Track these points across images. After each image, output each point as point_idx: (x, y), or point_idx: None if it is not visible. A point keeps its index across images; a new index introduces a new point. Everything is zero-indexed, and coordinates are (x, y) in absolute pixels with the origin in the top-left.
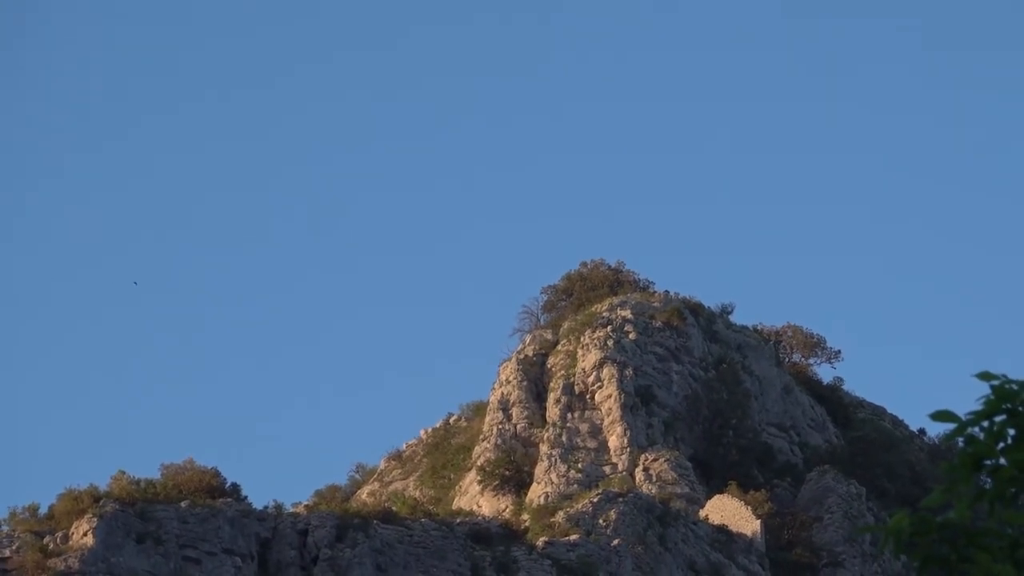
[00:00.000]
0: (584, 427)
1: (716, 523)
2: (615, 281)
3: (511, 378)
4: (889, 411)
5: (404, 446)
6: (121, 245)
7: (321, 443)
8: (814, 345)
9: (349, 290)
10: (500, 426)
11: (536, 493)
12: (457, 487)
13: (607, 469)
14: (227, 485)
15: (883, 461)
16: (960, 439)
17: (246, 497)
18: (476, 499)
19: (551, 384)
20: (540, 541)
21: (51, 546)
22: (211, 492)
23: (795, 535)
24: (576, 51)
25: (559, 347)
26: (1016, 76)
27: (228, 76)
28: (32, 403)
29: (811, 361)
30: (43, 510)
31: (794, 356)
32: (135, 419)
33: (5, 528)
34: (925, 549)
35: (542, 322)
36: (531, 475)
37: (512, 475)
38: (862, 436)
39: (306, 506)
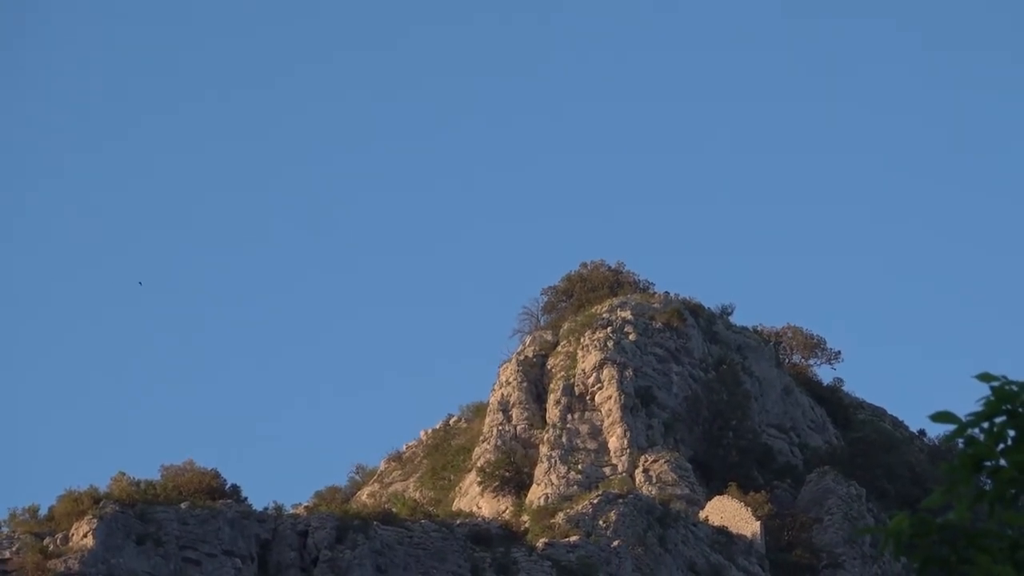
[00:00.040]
0: (584, 428)
1: (716, 524)
2: (615, 282)
3: (511, 379)
4: (889, 412)
5: (404, 447)
6: (121, 245)
7: (321, 444)
8: (814, 346)
9: (349, 290)
10: (500, 427)
11: (536, 494)
12: (457, 488)
13: (607, 470)
14: (227, 486)
15: (883, 462)
16: (960, 440)
17: (246, 498)
18: (476, 500)
19: (551, 385)
20: (540, 542)
21: (51, 547)
22: (211, 493)
23: (795, 536)
24: (576, 51)
25: (559, 348)
26: (1016, 76)
27: (228, 76)
28: (32, 403)
29: (811, 362)
30: (43, 511)
31: (794, 357)
32: (135, 420)
33: (5, 529)
34: (925, 550)
35: (542, 323)
36: (531, 476)
37: (512, 476)
38: (862, 437)
39: (306, 507)
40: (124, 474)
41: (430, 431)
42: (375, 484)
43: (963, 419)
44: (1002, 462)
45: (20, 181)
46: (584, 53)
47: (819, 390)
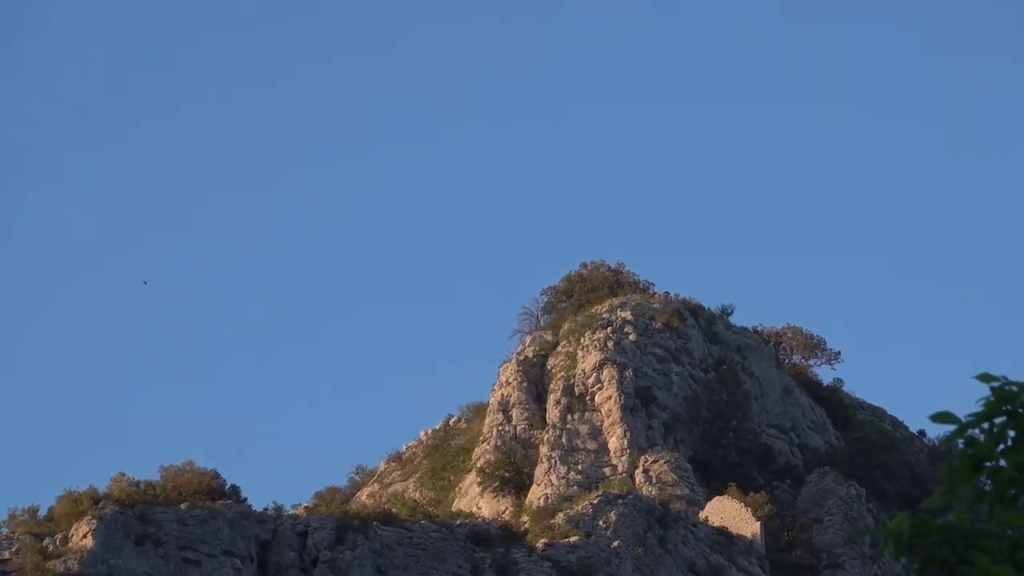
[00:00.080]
0: (584, 429)
1: (716, 525)
2: (615, 282)
3: (511, 379)
4: (889, 412)
5: (404, 447)
6: (121, 245)
7: (321, 444)
8: (814, 346)
9: (349, 290)
10: (500, 428)
11: (536, 495)
12: (457, 489)
13: (607, 471)
14: (227, 487)
15: (883, 463)
16: (960, 441)
17: (246, 499)
18: (476, 501)
19: (551, 385)
20: (540, 543)
21: (51, 548)
22: (211, 494)
23: (795, 537)
24: (576, 51)
25: (559, 348)
26: (1016, 76)
27: (228, 76)
28: (32, 403)
29: (811, 362)
30: (43, 512)
31: (794, 357)
32: (135, 420)
33: (5, 530)
34: (925, 551)
35: (542, 323)
36: (531, 477)
37: (512, 477)
38: (862, 438)
39: (306, 508)
40: (124, 474)
41: (430, 431)
42: (375, 484)
43: (963, 420)
44: (1002, 463)
45: (20, 181)
46: (584, 53)
47: (819, 390)
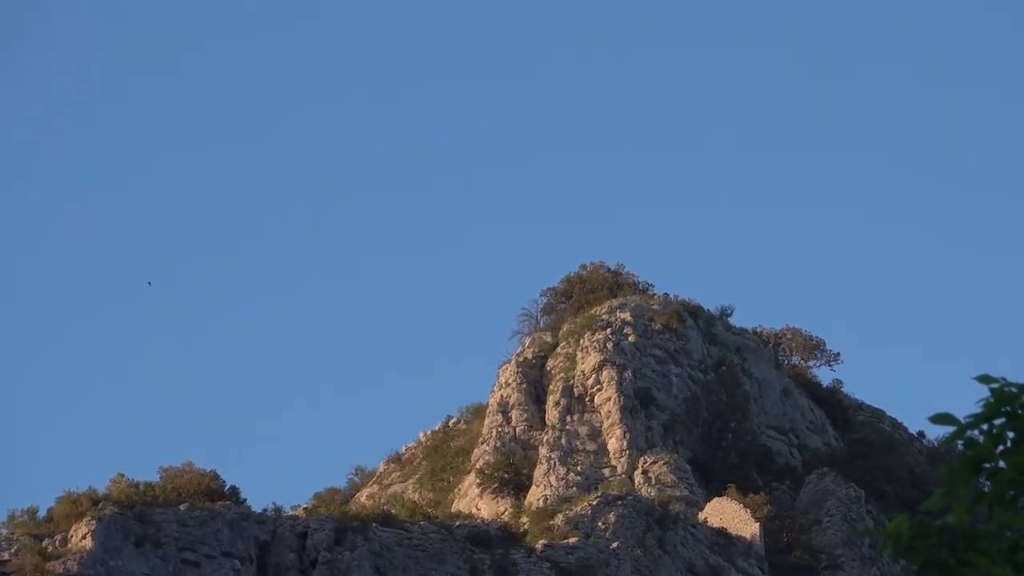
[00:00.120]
0: (583, 430)
1: (715, 526)
2: (614, 283)
3: (510, 380)
4: (888, 414)
5: (403, 448)
6: (121, 245)
7: (320, 445)
8: (813, 348)
9: (349, 290)
10: (499, 429)
11: (535, 496)
12: (456, 490)
13: (606, 472)
14: (226, 488)
15: (882, 464)
16: (959, 442)
17: (245, 500)
18: (475, 502)
19: (550, 387)
20: (539, 544)
21: (50, 549)
22: (210, 495)
23: (794, 538)
24: (576, 51)
25: (558, 350)
26: (1016, 76)
27: (228, 76)
28: (32, 403)
29: (810, 363)
30: (42, 513)
31: (793, 359)
32: (134, 420)
33: (4, 531)
34: (924, 553)
35: (541, 325)
36: (530, 478)
37: (511, 478)
38: (861, 439)
39: (305, 509)
40: (123, 475)
41: (429, 432)
42: (374, 485)
43: (962, 421)
44: (1001, 464)
45: (20, 181)
46: (584, 53)
47: (818, 391)
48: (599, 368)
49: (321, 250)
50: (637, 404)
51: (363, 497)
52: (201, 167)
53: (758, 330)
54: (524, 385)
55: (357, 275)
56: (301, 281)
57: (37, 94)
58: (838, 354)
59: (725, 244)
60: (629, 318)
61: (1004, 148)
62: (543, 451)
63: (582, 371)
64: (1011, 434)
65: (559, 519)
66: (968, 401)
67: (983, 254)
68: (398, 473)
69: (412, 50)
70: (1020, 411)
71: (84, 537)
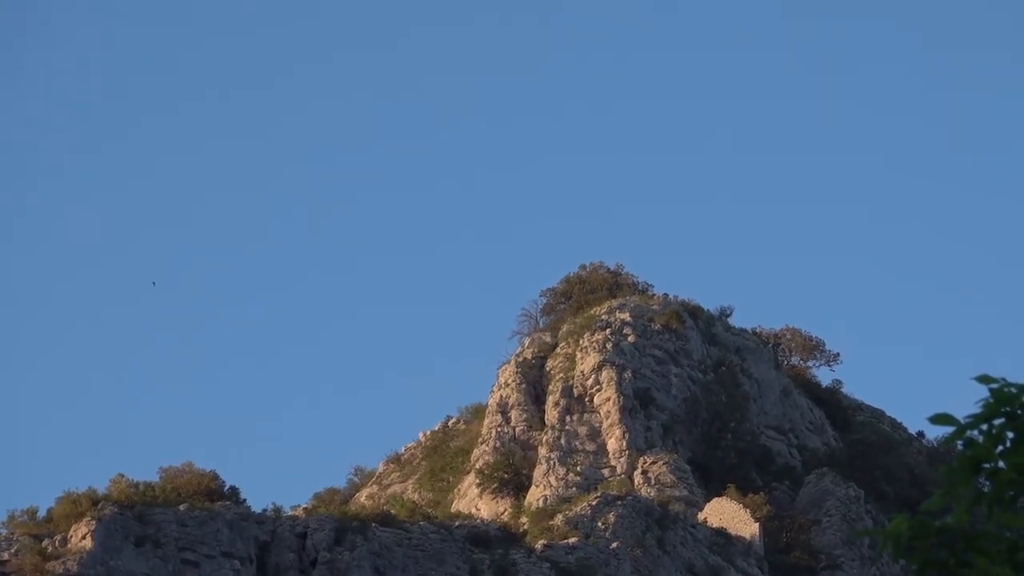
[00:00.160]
0: (583, 430)
1: (715, 526)
2: (614, 284)
3: (510, 381)
4: (888, 414)
5: (403, 449)
6: (121, 245)
7: (320, 445)
8: (813, 348)
9: (349, 290)
10: (499, 429)
11: (535, 496)
12: (456, 490)
13: (606, 472)
14: (226, 488)
15: (882, 464)
16: (959, 442)
17: (245, 500)
18: (475, 502)
19: (550, 387)
20: (539, 544)
21: (50, 549)
22: (210, 495)
23: (793, 538)
24: (576, 51)
25: (558, 350)
26: (1016, 76)
27: (228, 76)
28: (32, 404)
29: (810, 364)
30: (42, 513)
31: (793, 359)
32: (134, 420)
33: (4, 531)
34: (924, 553)
35: (541, 325)
36: (530, 478)
37: (511, 478)
38: (861, 439)
39: (305, 509)
40: (123, 476)
41: (429, 433)
42: (374, 486)
43: (962, 421)
44: (1001, 464)
45: (20, 181)
46: (584, 53)
47: (818, 392)
48: (598, 368)
49: (321, 250)
50: (636, 404)
51: (363, 497)
52: (201, 167)
53: (758, 330)
54: (524, 385)
55: (357, 275)
56: (301, 281)
57: (37, 94)
58: (837, 354)
59: (725, 244)
60: (628, 318)
61: (1004, 148)
62: (542, 451)
63: (581, 371)
64: (1010, 434)
65: (559, 519)
66: (968, 401)
67: (983, 254)
68: (398, 473)
69: (412, 50)
70: (1020, 411)
71: (84, 537)
